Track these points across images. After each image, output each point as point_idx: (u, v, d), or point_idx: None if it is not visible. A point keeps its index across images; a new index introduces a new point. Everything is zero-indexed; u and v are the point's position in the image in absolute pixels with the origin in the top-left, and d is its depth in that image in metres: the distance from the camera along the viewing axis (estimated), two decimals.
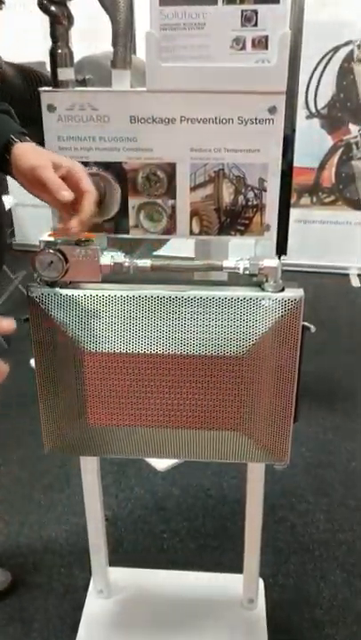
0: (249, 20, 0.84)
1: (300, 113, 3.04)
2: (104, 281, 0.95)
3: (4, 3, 1.02)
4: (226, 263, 0.94)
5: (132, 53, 0.95)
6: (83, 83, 1.10)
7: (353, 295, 3.16)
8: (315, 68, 2.98)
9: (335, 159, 3.17)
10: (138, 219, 0.98)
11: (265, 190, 0.94)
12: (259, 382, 0.97)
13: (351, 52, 2.93)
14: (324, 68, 2.97)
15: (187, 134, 0.91)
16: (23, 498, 1.77)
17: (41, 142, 0.95)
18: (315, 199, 3.27)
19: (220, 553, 1.60)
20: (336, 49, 2.94)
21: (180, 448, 1.04)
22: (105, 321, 0.95)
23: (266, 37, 0.84)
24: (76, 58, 1.17)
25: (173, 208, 0.96)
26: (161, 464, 1.84)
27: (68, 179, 0.80)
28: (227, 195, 0.95)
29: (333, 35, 2.91)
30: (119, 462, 1.88)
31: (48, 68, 0.94)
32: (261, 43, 0.85)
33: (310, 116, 3.08)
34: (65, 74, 0.90)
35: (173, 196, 0.96)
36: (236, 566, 1.41)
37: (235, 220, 0.97)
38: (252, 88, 0.87)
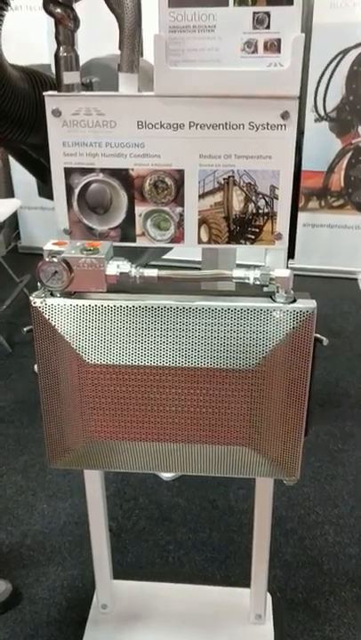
0: (261, 22, 0.81)
1: (309, 116, 3.01)
2: (109, 290, 0.92)
3: (8, 4, 1.00)
4: (235, 273, 0.91)
5: (140, 56, 0.92)
6: (89, 85, 1.07)
7: None
8: (324, 71, 2.94)
9: (344, 163, 3.13)
10: (145, 227, 0.95)
11: (276, 198, 0.91)
12: (269, 396, 0.94)
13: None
14: (334, 70, 2.93)
15: (196, 140, 0.88)
16: (27, 507, 1.74)
17: (46, 147, 0.92)
18: (323, 203, 3.24)
19: (226, 566, 1.56)
20: (345, 51, 2.90)
21: (187, 463, 1.01)
22: (110, 332, 0.92)
23: (278, 40, 0.81)
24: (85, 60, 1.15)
25: (181, 216, 0.93)
26: (166, 473, 1.81)
27: None
28: (237, 202, 0.92)
29: (343, 37, 2.87)
30: (124, 471, 1.85)
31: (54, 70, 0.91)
32: (274, 46, 0.81)
33: (319, 119, 3.04)
34: (70, 77, 0.88)
35: (181, 204, 0.93)
36: (243, 580, 1.37)
37: (245, 228, 0.94)
38: (264, 92, 0.84)
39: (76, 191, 0.93)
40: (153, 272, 0.91)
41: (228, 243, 0.96)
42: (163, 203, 0.93)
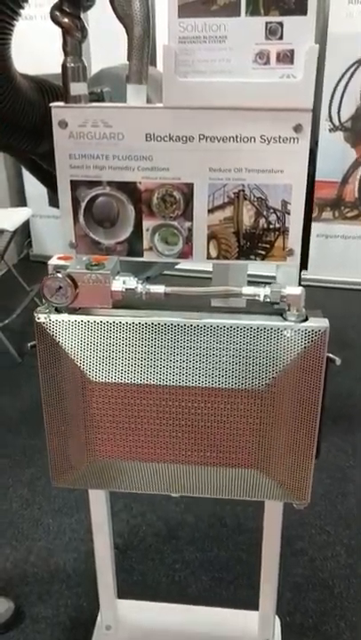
0: (274, 32, 0.78)
1: (324, 126, 2.98)
2: (116, 306, 0.90)
3: (19, 14, 0.97)
4: (245, 290, 0.88)
5: (153, 65, 0.90)
6: (100, 95, 1.05)
7: None
8: (339, 80, 2.91)
9: (359, 173, 3.09)
10: (152, 241, 0.92)
11: (288, 213, 0.88)
12: (278, 418, 0.91)
13: None
14: (349, 80, 2.90)
15: (205, 153, 0.85)
16: (32, 522, 1.71)
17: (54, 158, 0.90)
18: (337, 213, 3.20)
19: (234, 587, 1.52)
20: None
21: (193, 484, 0.98)
22: (115, 349, 0.90)
23: (291, 51, 0.78)
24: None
25: (190, 230, 0.91)
26: None
27: None
28: (247, 217, 0.89)
29: (358, 46, 2.84)
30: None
31: None
32: (287, 57, 0.79)
33: (334, 129, 3.01)
34: (77, 88, 0.85)
35: (190, 218, 0.90)
36: (251, 602, 1.33)
37: (255, 244, 0.91)
38: (277, 105, 0.81)
39: (83, 204, 0.91)
40: (160, 288, 0.88)
41: (237, 258, 0.93)
42: (171, 217, 0.90)
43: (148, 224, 0.91)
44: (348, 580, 1.53)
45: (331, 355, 0.90)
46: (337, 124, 3.01)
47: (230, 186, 0.88)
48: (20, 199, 3.55)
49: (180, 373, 0.89)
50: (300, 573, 1.55)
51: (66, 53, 0.85)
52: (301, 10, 0.76)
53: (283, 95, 0.81)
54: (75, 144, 0.88)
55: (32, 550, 1.62)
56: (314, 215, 3.12)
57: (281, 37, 0.78)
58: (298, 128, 0.82)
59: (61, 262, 0.89)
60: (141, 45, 0.83)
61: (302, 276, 1.03)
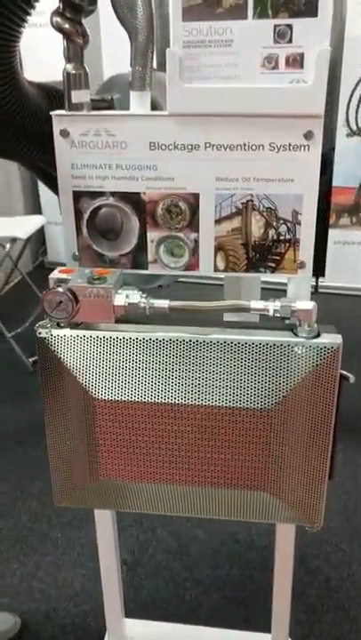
0: (283, 35, 0.74)
1: (341, 131, 2.92)
2: (120, 320, 0.86)
3: (26, 21, 0.95)
4: (254, 304, 0.84)
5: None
6: (110, 102, 1.02)
7: None
8: (356, 84, 2.86)
9: None
10: (157, 253, 0.89)
11: (299, 224, 0.84)
12: (290, 438, 0.87)
13: None
14: None
15: (212, 162, 0.82)
16: (40, 536, 1.68)
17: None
18: (354, 219, 3.14)
19: (246, 606, 1.47)
20: None
21: (201, 506, 0.94)
22: (119, 366, 0.87)
23: (301, 55, 0.75)
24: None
25: (196, 242, 0.87)
26: None
27: None
28: (256, 228, 0.85)
29: None
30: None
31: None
32: (296, 61, 0.75)
33: (351, 133, 2.95)
34: (79, 96, 0.83)
35: (196, 230, 0.86)
36: (263, 623, 1.29)
37: (265, 255, 0.87)
38: (286, 111, 0.77)
39: (86, 216, 0.88)
40: (164, 303, 0.84)
41: (246, 271, 0.89)
42: (177, 228, 0.87)
43: (152, 235, 0.88)
44: None
45: (344, 372, 0.85)
46: (354, 128, 2.95)
47: (238, 196, 0.84)
48: (35, 207, 3.55)
49: (186, 391, 0.85)
50: (314, 594, 1.50)
51: (67, 60, 0.82)
52: (312, 11, 0.73)
53: (292, 101, 0.77)
54: (77, 153, 0.85)
55: (40, 565, 1.59)
56: (331, 222, 3.06)
57: (290, 40, 0.74)
58: (308, 135, 0.78)
59: (63, 276, 0.86)
60: (145, 51, 0.80)
61: (319, 283, 0.99)
